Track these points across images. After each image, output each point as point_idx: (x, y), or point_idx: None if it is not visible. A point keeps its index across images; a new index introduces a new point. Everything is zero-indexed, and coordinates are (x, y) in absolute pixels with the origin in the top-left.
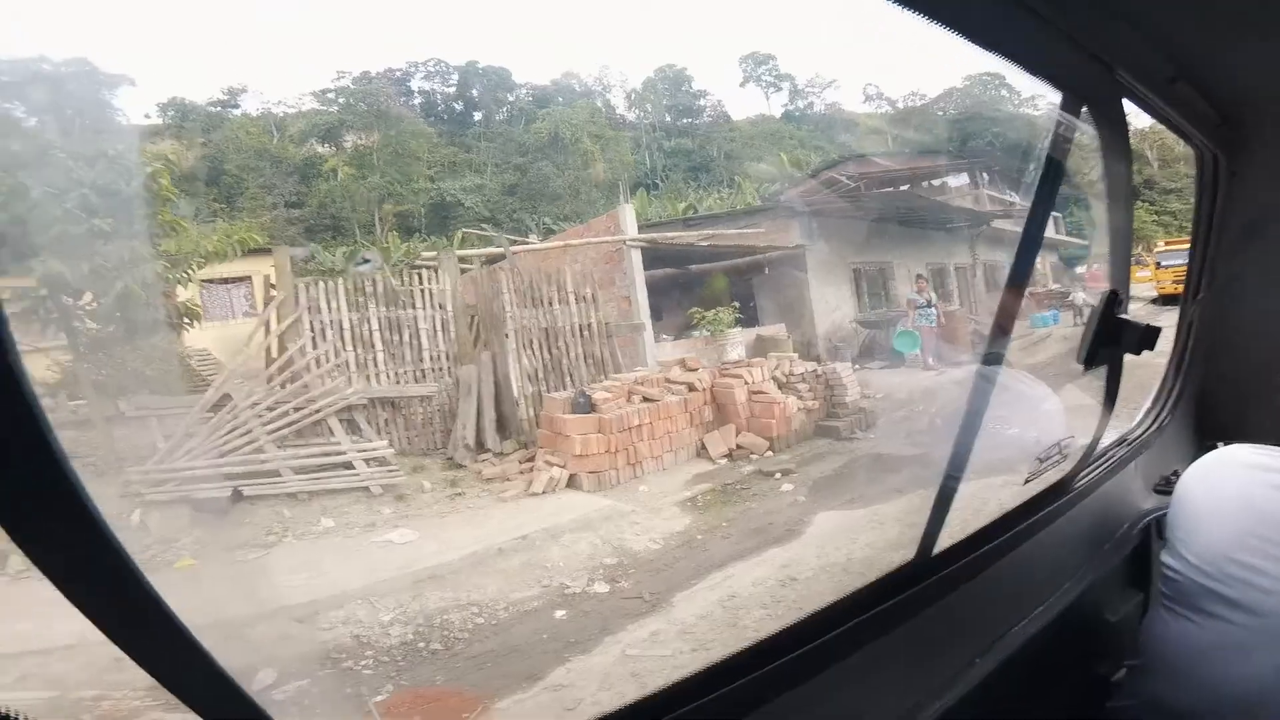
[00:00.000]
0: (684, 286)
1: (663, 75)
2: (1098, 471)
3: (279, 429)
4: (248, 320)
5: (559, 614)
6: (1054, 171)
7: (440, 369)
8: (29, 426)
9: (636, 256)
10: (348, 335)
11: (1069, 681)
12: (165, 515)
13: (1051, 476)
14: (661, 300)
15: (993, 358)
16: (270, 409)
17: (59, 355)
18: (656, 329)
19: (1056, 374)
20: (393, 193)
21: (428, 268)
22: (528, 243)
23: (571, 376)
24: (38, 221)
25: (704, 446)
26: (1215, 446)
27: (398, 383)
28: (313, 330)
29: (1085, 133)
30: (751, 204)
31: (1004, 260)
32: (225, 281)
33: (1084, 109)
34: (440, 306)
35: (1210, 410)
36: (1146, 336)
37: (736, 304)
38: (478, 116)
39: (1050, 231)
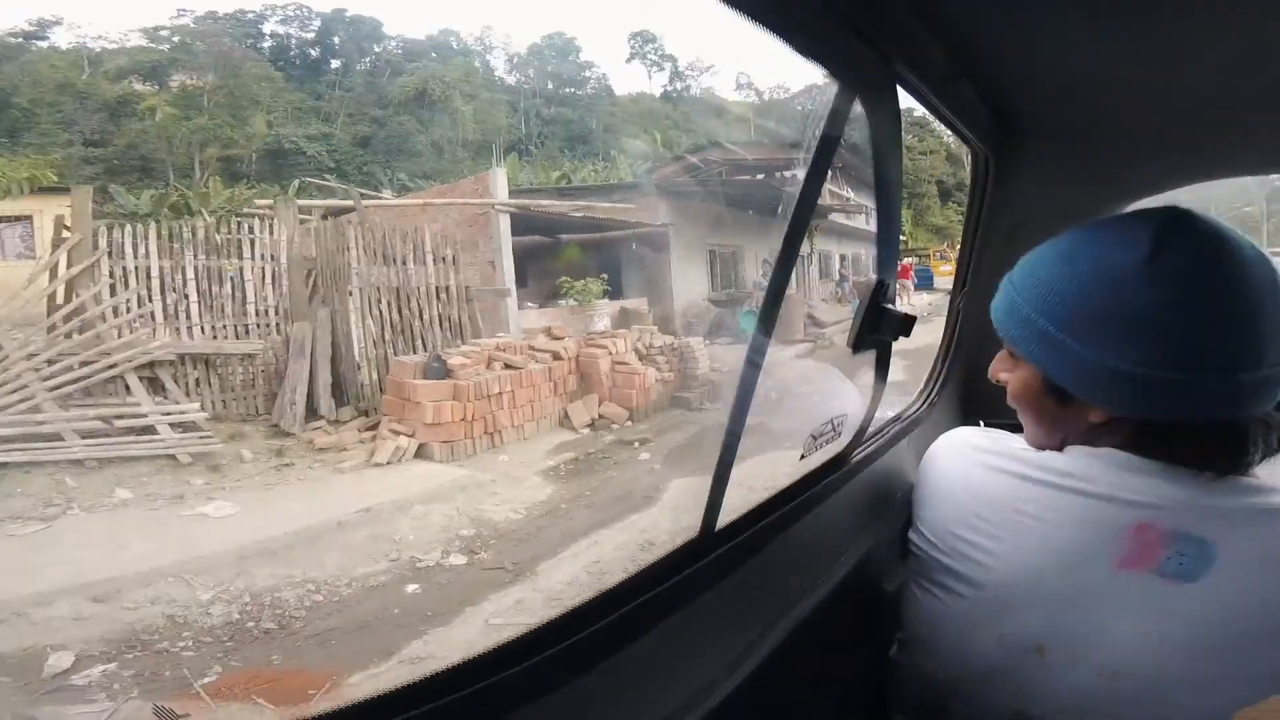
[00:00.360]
0: (552, 255)
1: (550, 43)
2: (873, 447)
3: (62, 385)
4: (21, 262)
5: (411, 588)
6: (824, 157)
7: (268, 325)
8: None
9: (505, 221)
10: (156, 284)
11: (855, 650)
12: None
13: (829, 452)
14: (528, 267)
15: (761, 337)
16: (51, 362)
17: None
18: (522, 296)
19: (854, 357)
20: (219, 135)
21: (261, 216)
22: (380, 197)
23: (424, 340)
24: None
25: (567, 416)
26: (977, 424)
27: (214, 338)
28: (112, 277)
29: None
30: (624, 179)
31: (835, 250)
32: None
33: (857, 99)
34: (272, 258)
35: (974, 392)
36: (905, 324)
37: (605, 276)
38: (335, 65)
39: (865, 224)
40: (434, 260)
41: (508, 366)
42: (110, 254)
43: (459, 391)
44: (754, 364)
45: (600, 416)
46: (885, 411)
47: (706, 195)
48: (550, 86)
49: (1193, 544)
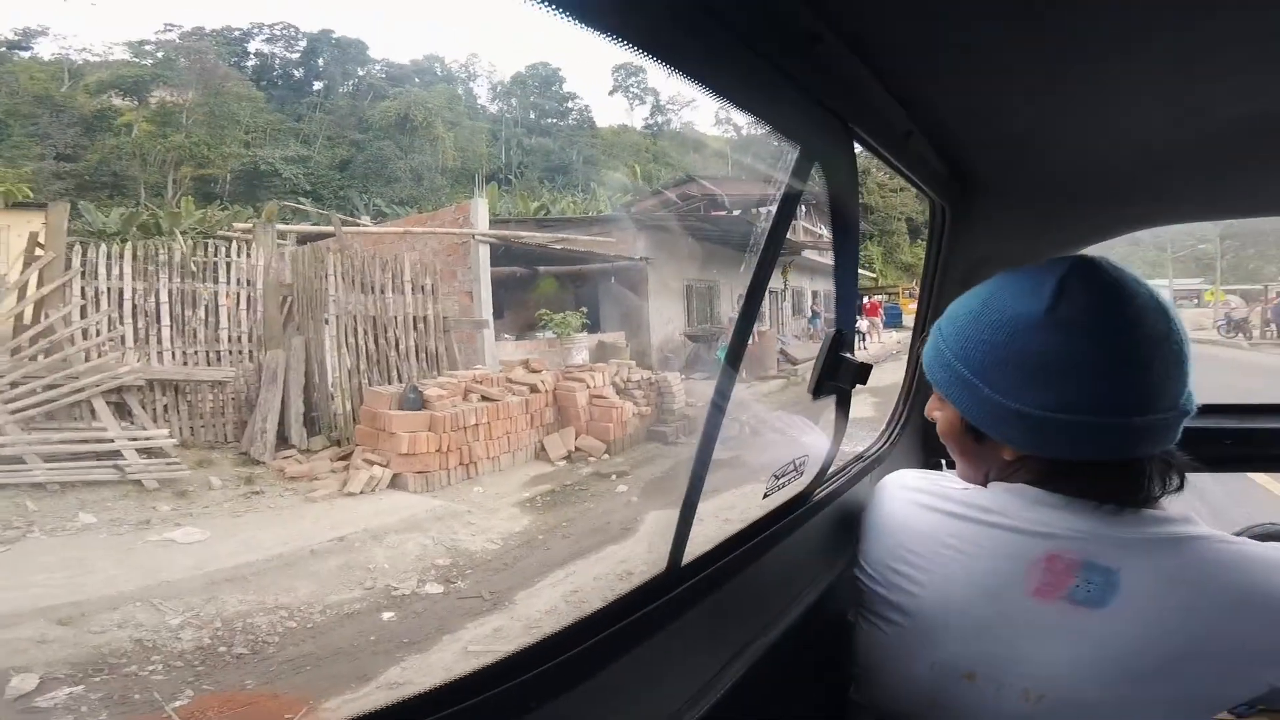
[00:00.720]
0: (530, 287)
1: (534, 73)
2: (835, 484)
3: (25, 408)
4: None
5: (386, 615)
6: (784, 216)
7: (240, 352)
8: None
9: (484, 252)
10: (127, 306)
11: (817, 681)
12: None
13: (791, 490)
14: (505, 298)
15: (726, 380)
16: (15, 384)
17: None
18: (499, 327)
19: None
20: (195, 154)
21: (237, 239)
22: (358, 224)
23: (400, 371)
24: None
25: (544, 448)
26: (938, 464)
27: (185, 364)
28: (84, 298)
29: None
30: (604, 211)
31: (807, 286)
32: None
33: (816, 163)
34: (248, 283)
35: (933, 432)
36: (861, 373)
37: (584, 309)
38: (317, 86)
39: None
40: (413, 289)
41: (485, 398)
42: (84, 274)
43: (435, 423)
44: (720, 402)
45: (577, 449)
46: (855, 447)
47: (684, 230)
48: (532, 116)
49: (1099, 572)
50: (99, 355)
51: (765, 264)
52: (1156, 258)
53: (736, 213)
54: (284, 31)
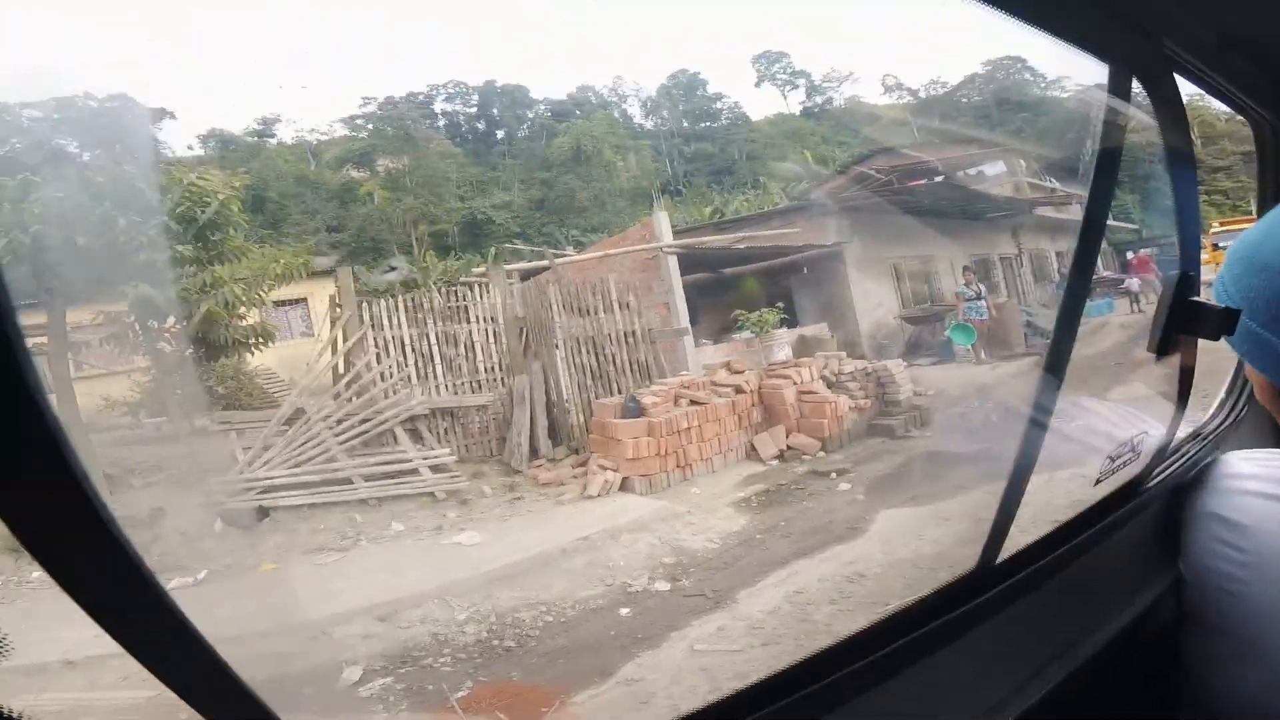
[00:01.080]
0: (717, 290)
1: (676, 82)
2: (1174, 468)
3: (349, 439)
4: (305, 340)
5: (624, 611)
6: (1110, 153)
7: (494, 379)
8: (38, 426)
9: (673, 262)
10: (408, 350)
11: (1145, 691)
12: (246, 522)
13: (1122, 477)
14: (696, 304)
15: (1058, 356)
16: (340, 421)
17: (138, 376)
18: (695, 333)
19: (1118, 365)
20: (426, 213)
21: (477, 283)
22: (566, 254)
23: (618, 383)
24: (125, 249)
25: (754, 448)
26: None
27: (455, 393)
28: (376, 346)
29: (1136, 110)
30: (778, 204)
31: (1049, 249)
32: (284, 304)
33: (1133, 84)
34: (491, 319)
35: None
36: (1226, 320)
37: (780, 304)
38: (500, 135)
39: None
40: (619, 307)
41: (693, 403)
42: (372, 326)
43: (653, 428)
44: (1047, 391)
45: (789, 448)
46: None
47: (880, 206)
48: (685, 124)
49: None
50: (394, 392)
51: (1096, 212)
52: None
53: (939, 179)
54: (457, 89)
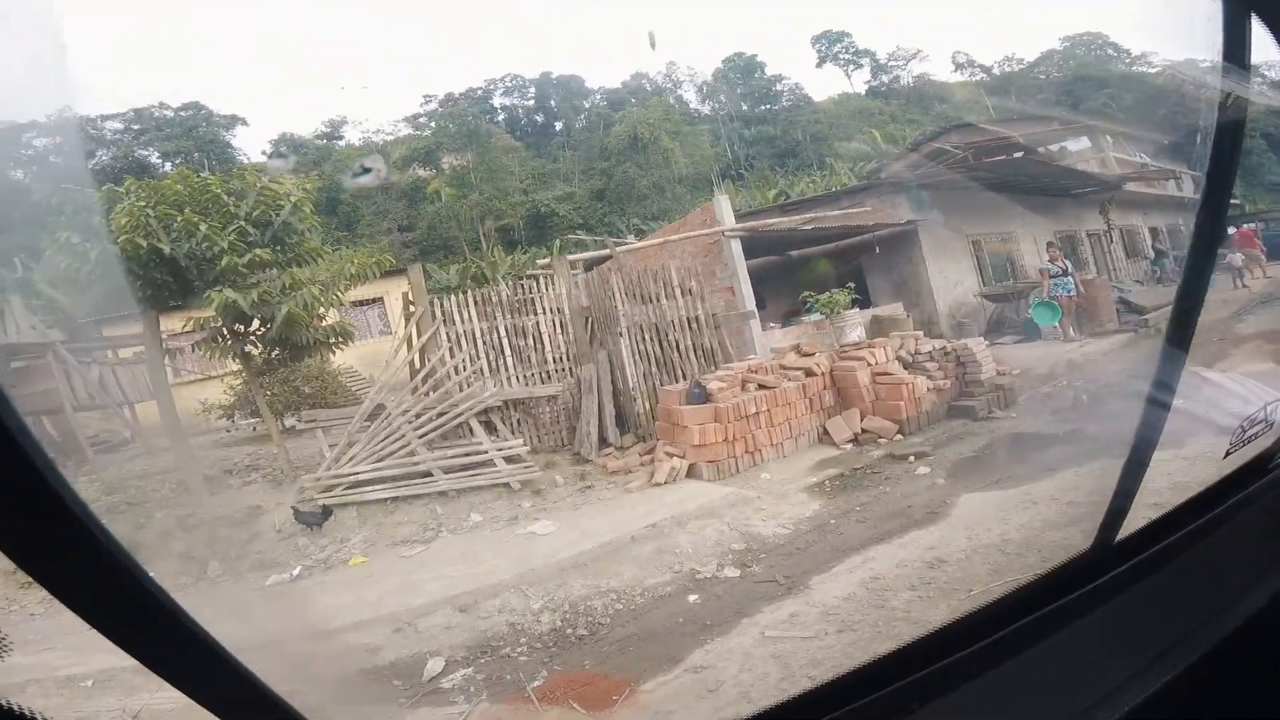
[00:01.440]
0: (784, 273)
1: (732, 65)
2: None
3: (427, 433)
4: (383, 338)
5: (692, 598)
6: (1230, 117)
7: (562, 369)
8: (10, 443)
9: (736, 246)
10: (479, 343)
11: (1271, 693)
12: (336, 517)
13: (1251, 450)
14: (763, 288)
15: (1182, 329)
16: (418, 415)
17: (230, 379)
18: (763, 317)
19: (1221, 339)
20: (492, 209)
21: (543, 275)
22: (628, 242)
23: (682, 369)
24: (206, 255)
25: (826, 432)
26: None
27: (526, 385)
28: (449, 340)
29: (1257, 60)
30: (846, 184)
31: (1141, 225)
32: (361, 304)
33: (1251, 18)
34: (558, 311)
35: None
36: None
37: (851, 285)
38: (558, 126)
39: (1176, 190)
40: (681, 293)
41: (761, 387)
42: (444, 322)
43: (719, 414)
44: (1166, 379)
45: (864, 431)
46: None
47: (956, 182)
48: (745, 107)
49: None
50: (467, 385)
51: (1219, 178)
52: None
53: (1018, 154)
54: (514, 82)
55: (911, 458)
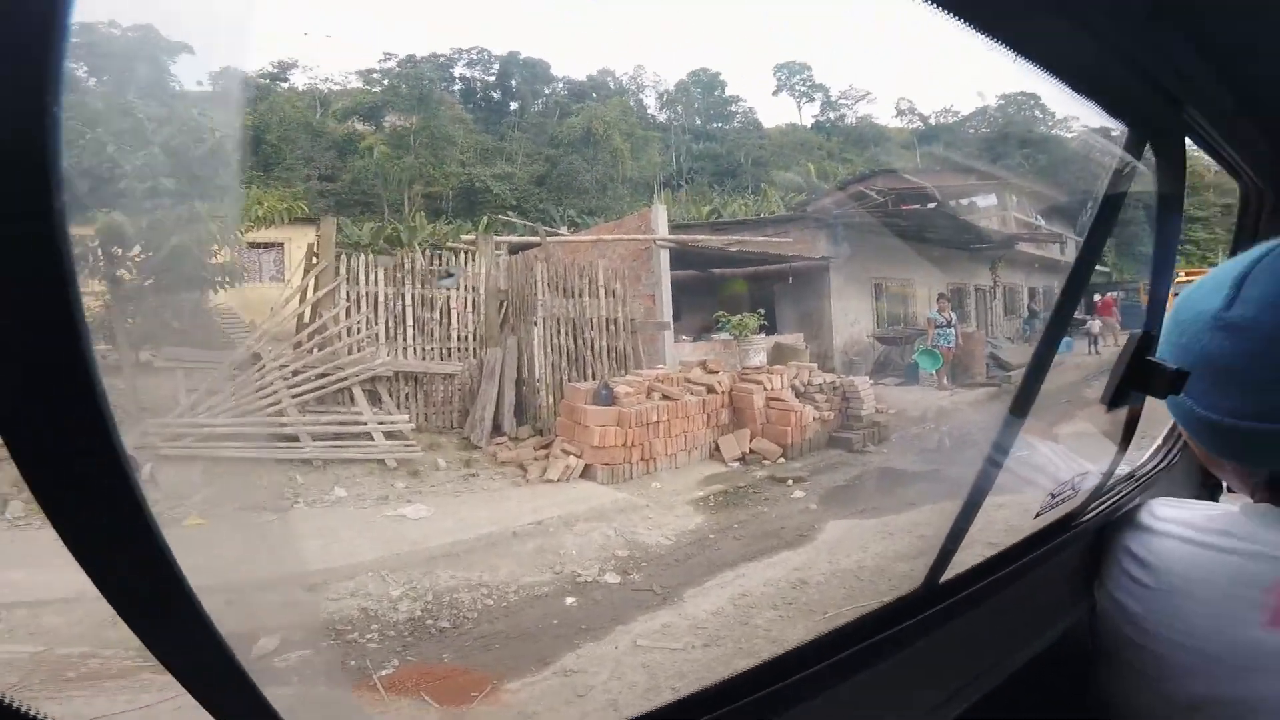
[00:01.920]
0: (704, 289)
1: (696, 79)
2: (1105, 506)
3: (303, 394)
4: (273, 285)
5: (569, 600)
6: (1111, 208)
7: (466, 350)
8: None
9: (665, 256)
10: (380, 308)
11: (1067, 705)
12: (179, 471)
13: (1059, 511)
14: (682, 301)
15: (1025, 397)
16: (296, 374)
17: (90, 301)
18: (677, 329)
19: (1068, 402)
20: (424, 174)
21: (465, 250)
22: (559, 234)
23: (593, 368)
24: (107, 175)
25: (718, 448)
26: (1219, 487)
27: (423, 359)
28: (348, 300)
29: (1142, 167)
30: (775, 212)
31: (1023, 284)
32: (259, 246)
33: (1147, 146)
34: (473, 288)
35: None
36: (1176, 380)
37: (762, 310)
38: (514, 106)
39: (1058, 254)
40: (605, 293)
41: (665, 397)
42: (348, 280)
43: (623, 418)
44: (1006, 433)
45: (751, 451)
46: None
47: (872, 226)
48: (698, 122)
49: None
50: (358, 350)
51: (1083, 267)
52: None
53: (932, 205)
54: (480, 55)
55: (790, 481)
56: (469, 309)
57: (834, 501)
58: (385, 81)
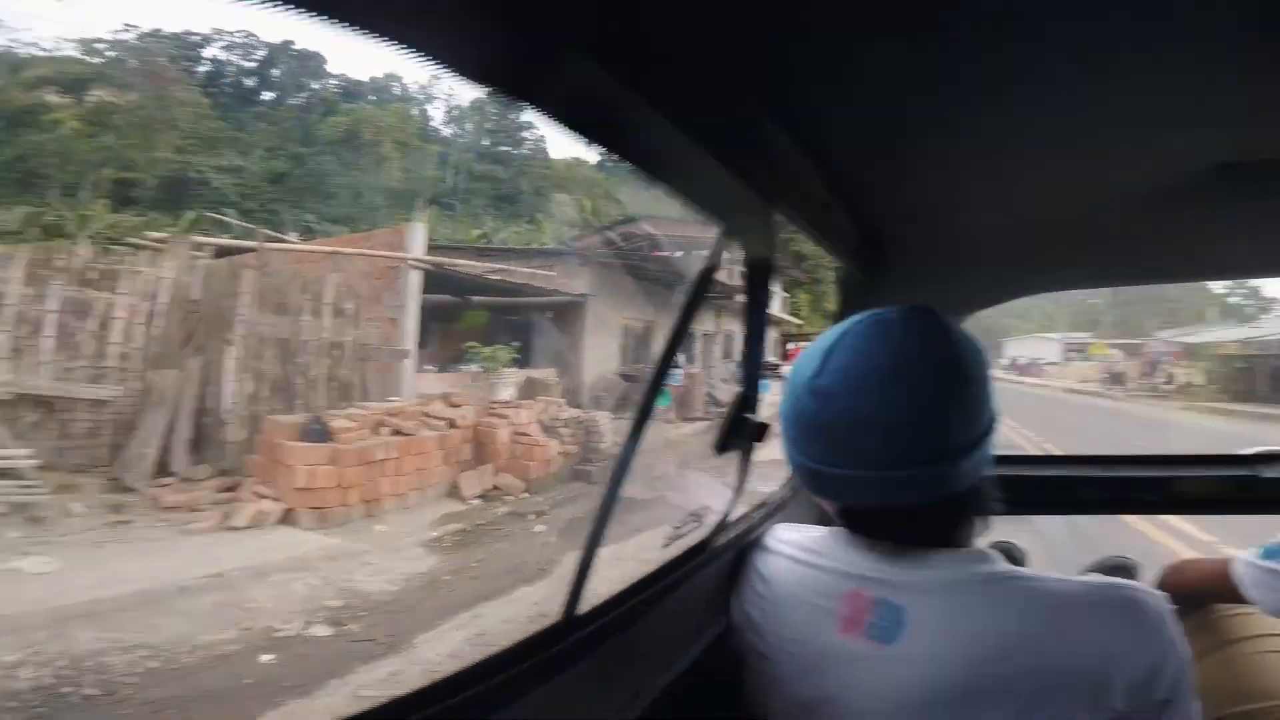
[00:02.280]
0: (460, 317)
1: (495, 98)
2: (736, 531)
3: None
4: None
5: (265, 658)
6: (703, 284)
7: (128, 370)
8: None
9: (416, 278)
10: (9, 312)
11: (723, 715)
12: None
13: (691, 539)
14: (433, 327)
15: (635, 432)
16: None
17: None
18: (423, 357)
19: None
20: (123, 157)
21: (151, 248)
22: (284, 240)
23: (306, 399)
24: None
25: (458, 486)
26: None
27: (64, 379)
28: None
29: (732, 257)
30: (547, 244)
31: (736, 331)
32: None
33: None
34: (152, 296)
35: None
36: (758, 431)
37: (517, 343)
38: (268, 96)
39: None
40: (333, 313)
41: (397, 433)
42: None
43: (338, 456)
44: (626, 455)
45: (495, 488)
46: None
47: (626, 269)
48: (486, 143)
49: (889, 609)
50: None
51: (675, 339)
52: (1054, 311)
53: (678, 254)
54: (244, 40)
55: (531, 516)
56: (141, 321)
57: (572, 533)
58: (112, 53)
